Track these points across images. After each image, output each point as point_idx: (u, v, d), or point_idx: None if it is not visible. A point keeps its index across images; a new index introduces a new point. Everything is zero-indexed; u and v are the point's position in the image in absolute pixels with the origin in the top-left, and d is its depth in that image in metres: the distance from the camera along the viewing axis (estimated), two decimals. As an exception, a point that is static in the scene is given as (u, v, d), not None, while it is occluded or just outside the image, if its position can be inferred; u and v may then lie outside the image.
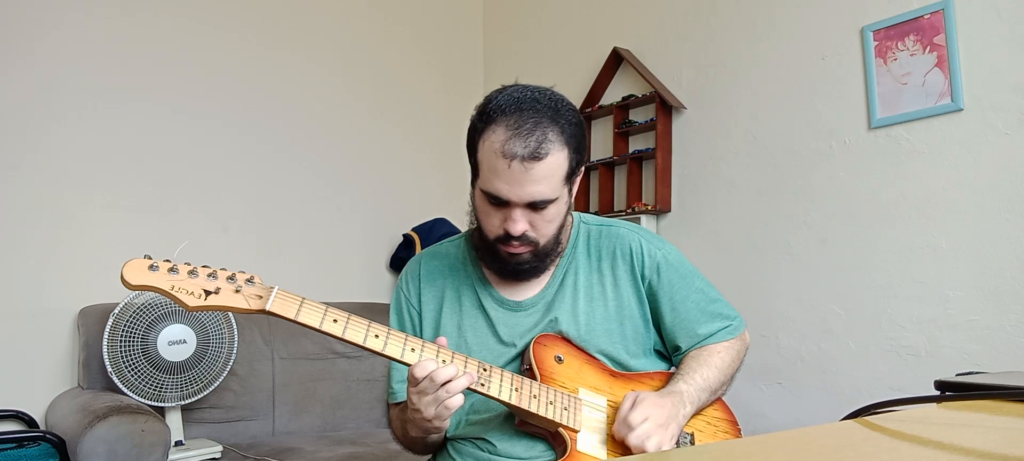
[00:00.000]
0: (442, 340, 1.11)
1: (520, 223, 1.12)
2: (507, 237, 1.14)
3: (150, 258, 0.98)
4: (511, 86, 1.14)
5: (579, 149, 1.14)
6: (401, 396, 1.26)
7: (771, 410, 2.30)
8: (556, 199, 1.12)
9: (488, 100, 1.13)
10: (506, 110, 1.09)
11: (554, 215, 1.15)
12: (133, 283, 0.95)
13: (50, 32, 2.35)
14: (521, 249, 1.16)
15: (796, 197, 2.29)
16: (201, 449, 2.11)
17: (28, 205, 2.29)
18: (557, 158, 1.09)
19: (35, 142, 2.32)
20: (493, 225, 1.15)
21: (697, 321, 1.26)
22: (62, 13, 2.37)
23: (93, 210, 2.40)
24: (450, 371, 1.03)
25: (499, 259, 1.19)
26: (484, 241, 1.19)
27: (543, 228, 1.15)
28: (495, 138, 1.08)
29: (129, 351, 2.05)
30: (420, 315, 1.29)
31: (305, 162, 2.91)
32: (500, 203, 1.12)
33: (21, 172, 2.29)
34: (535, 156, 1.06)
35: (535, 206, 1.11)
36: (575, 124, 1.13)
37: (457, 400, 1.04)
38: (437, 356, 1.07)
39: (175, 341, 2.10)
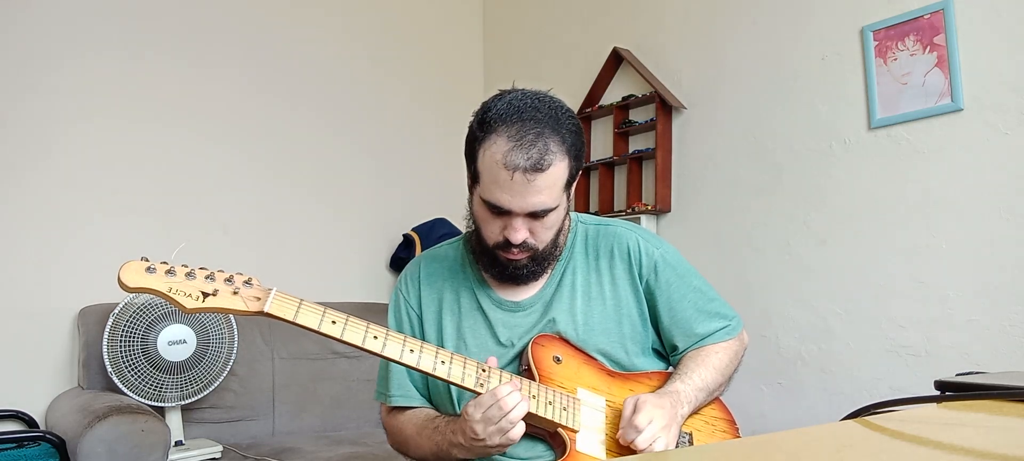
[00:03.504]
0: (492, 360, 1.12)
1: (520, 231, 1.12)
2: (507, 244, 1.14)
3: (147, 260, 0.98)
4: (510, 92, 1.13)
5: (579, 156, 1.15)
6: (399, 401, 1.26)
7: (771, 410, 2.30)
8: (556, 207, 1.13)
9: (487, 108, 1.12)
10: (506, 119, 1.08)
11: (554, 222, 1.16)
12: (130, 286, 0.95)
13: (50, 32, 2.35)
14: (520, 256, 1.16)
15: (796, 197, 2.29)
16: (201, 449, 2.10)
17: (28, 205, 2.29)
18: (559, 168, 1.09)
19: (35, 142, 2.31)
20: (493, 232, 1.15)
21: (695, 320, 1.26)
22: (62, 15, 2.37)
23: (93, 210, 2.40)
24: (516, 397, 1.03)
25: (498, 264, 1.19)
26: (483, 246, 1.19)
27: (542, 235, 1.16)
28: (496, 149, 1.08)
29: (129, 351, 2.05)
30: (420, 318, 1.29)
31: (305, 162, 2.91)
32: (501, 212, 1.12)
33: (21, 172, 2.29)
34: (537, 168, 1.06)
35: (535, 215, 1.12)
36: (575, 132, 1.13)
37: (520, 428, 1.04)
38: (501, 379, 1.08)
39: (175, 341, 2.10)
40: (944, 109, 1.96)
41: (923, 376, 1.96)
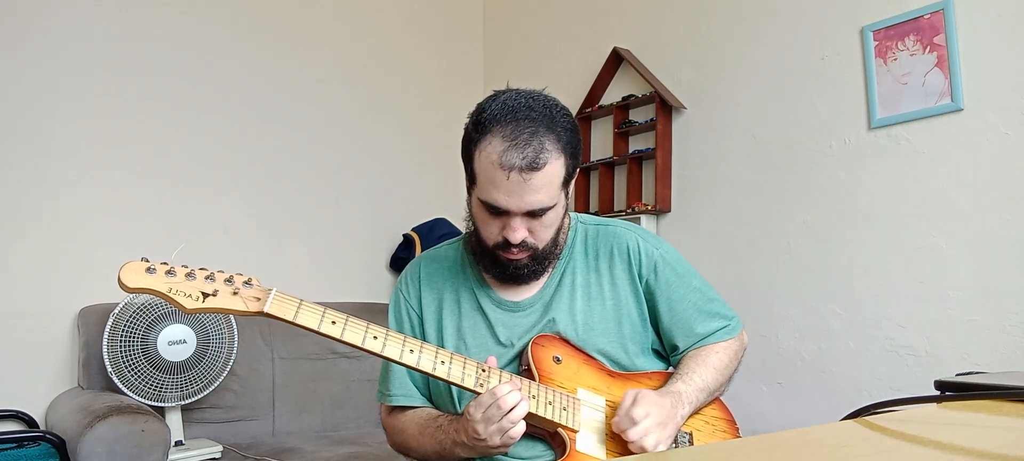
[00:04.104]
0: (492, 360, 1.12)
1: (519, 231, 1.12)
2: (506, 244, 1.14)
3: (147, 261, 0.98)
4: (504, 93, 1.13)
5: (575, 154, 1.14)
6: (400, 400, 1.26)
7: (771, 410, 2.30)
8: (554, 205, 1.13)
9: (481, 109, 1.12)
10: (501, 119, 1.08)
11: (552, 220, 1.16)
12: (130, 286, 0.95)
13: (49, 29, 2.35)
14: (520, 255, 1.16)
15: (796, 197, 2.29)
16: (201, 449, 2.10)
17: (28, 205, 2.29)
18: (555, 166, 1.09)
19: (34, 141, 2.31)
20: (492, 233, 1.15)
21: (695, 320, 1.26)
22: (61, 11, 2.37)
23: (93, 210, 2.40)
24: (516, 397, 1.04)
25: (498, 264, 1.19)
26: (483, 247, 1.19)
27: (542, 233, 1.16)
28: (491, 149, 1.08)
29: (129, 351, 2.05)
30: (421, 318, 1.29)
31: (305, 162, 2.91)
32: (499, 212, 1.12)
33: (21, 171, 2.29)
34: (533, 166, 1.06)
35: (534, 214, 1.12)
36: (570, 130, 1.13)
37: (521, 428, 1.05)
38: (500, 378, 1.08)
39: (175, 341, 2.10)
40: (944, 109, 1.96)
41: (923, 376, 1.96)
